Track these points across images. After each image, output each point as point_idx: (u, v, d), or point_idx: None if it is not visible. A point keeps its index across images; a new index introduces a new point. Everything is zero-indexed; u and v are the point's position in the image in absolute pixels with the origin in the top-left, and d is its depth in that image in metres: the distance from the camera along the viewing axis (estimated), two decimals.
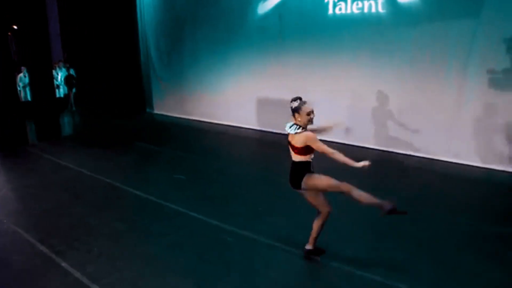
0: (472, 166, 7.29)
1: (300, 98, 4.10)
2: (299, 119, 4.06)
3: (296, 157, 4.11)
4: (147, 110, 12.95)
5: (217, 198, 5.90)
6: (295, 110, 4.06)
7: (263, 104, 9.84)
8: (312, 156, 4.15)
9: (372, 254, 4.45)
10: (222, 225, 5.05)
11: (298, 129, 4.06)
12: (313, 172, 4.13)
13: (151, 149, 8.60)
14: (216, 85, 10.75)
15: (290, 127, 4.12)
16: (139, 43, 12.49)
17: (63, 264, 4.18)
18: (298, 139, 4.03)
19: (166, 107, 12.43)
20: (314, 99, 8.38)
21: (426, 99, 7.64)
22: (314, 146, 3.98)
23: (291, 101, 4.09)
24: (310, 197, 4.15)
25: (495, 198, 6.17)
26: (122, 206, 5.69)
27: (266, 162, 7.72)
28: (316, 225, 4.25)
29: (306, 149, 4.05)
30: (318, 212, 4.24)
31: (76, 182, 6.48)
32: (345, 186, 4.00)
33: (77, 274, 4.00)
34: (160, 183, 6.48)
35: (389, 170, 7.09)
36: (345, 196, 3.93)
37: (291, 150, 4.16)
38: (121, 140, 9.41)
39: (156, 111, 12.75)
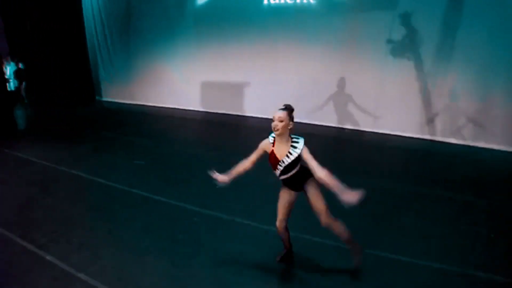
0: (395, 135, 8.26)
1: (285, 105, 3.91)
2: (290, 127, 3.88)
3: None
4: (97, 97, 13.03)
5: (178, 181, 6.18)
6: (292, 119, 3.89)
7: (207, 87, 10.26)
8: (276, 173, 4.01)
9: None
10: (187, 206, 5.38)
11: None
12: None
13: (106, 136, 8.68)
14: (161, 71, 11.00)
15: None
16: (85, 32, 12.43)
17: (48, 257, 4.31)
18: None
19: (114, 93, 12.53)
20: (253, 83, 9.09)
21: (351, 80, 8.46)
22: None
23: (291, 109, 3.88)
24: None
25: (416, 163, 7.08)
26: (91, 195, 5.82)
27: (217, 142, 8.04)
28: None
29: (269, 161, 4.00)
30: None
31: (41, 175, 6.51)
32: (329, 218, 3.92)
33: (63, 266, 4.17)
34: (121, 170, 6.63)
35: (325, 143, 7.83)
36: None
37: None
38: (76, 130, 9.38)
39: (105, 98, 12.86)
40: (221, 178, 4.03)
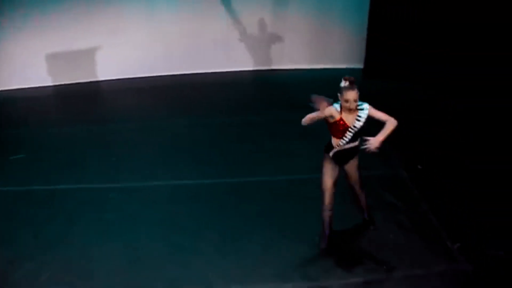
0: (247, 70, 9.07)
1: (349, 80, 4.02)
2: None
3: None
4: None
5: (70, 165, 6.25)
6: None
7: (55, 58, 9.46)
8: (342, 142, 4.18)
9: None
10: (94, 186, 5.75)
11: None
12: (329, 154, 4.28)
13: None
14: None
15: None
16: None
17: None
18: None
19: None
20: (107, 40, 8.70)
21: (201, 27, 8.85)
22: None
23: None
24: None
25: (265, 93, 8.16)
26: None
27: (81, 117, 7.81)
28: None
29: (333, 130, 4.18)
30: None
31: None
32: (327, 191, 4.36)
33: None
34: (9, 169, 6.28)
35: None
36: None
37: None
38: None
39: None
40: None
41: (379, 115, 4.08)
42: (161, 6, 8.64)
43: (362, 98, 4.14)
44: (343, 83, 4.00)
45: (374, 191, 5.35)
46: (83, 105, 8.22)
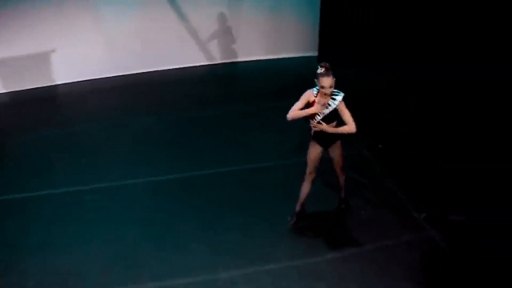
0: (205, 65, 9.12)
1: (325, 67, 4.19)
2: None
3: None
4: None
5: (35, 170, 6.10)
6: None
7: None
8: (312, 122, 4.45)
9: None
10: (69, 189, 5.73)
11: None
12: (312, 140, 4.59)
13: None
14: None
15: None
16: None
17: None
18: None
19: None
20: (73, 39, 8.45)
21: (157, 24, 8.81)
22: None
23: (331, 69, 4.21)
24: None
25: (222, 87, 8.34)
26: None
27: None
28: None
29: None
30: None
31: None
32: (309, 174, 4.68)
33: None
34: None
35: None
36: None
37: None
38: None
39: None
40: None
41: (345, 114, 4.31)
42: (115, 5, 8.52)
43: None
44: (319, 70, 4.19)
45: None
46: (42, 111, 7.97)
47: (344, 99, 4.35)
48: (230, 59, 9.39)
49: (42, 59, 8.64)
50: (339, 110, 4.31)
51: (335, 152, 4.62)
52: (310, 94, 4.36)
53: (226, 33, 9.13)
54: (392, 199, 5.39)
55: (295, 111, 4.35)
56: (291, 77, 7.97)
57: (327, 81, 4.16)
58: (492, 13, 6.16)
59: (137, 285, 4.34)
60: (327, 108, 4.32)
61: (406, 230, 4.92)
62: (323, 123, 4.35)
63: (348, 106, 4.38)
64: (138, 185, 5.72)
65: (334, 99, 4.29)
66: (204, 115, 7.40)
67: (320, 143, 4.54)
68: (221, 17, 8.99)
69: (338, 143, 4.58)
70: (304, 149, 4.72)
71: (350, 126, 4.30)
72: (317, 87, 4.30)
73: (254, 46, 9.32)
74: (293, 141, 6.00)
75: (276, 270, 4.42)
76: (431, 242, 4.76)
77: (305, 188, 4.75)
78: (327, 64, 4.20)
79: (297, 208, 4.87)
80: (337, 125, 4.41)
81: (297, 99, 4.41)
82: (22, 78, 8.98)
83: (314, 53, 9.14)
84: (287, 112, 4.39)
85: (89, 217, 5.20)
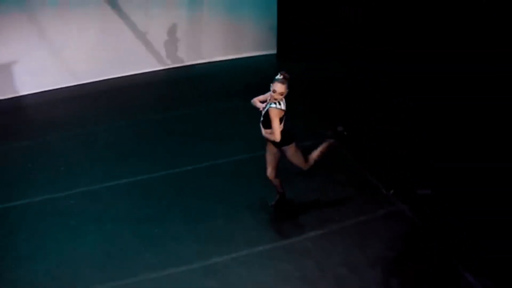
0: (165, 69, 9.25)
1: (284, 76, 4.37)
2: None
3: None
4: None
5: (14, 183, 6.00)
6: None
7: None
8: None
9: None
10: (54, 195, 5.74)
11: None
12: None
13: None
14: None
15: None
16: None
17: None
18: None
19: None
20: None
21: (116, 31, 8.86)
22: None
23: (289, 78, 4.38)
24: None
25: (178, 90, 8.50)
26: None
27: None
28: None
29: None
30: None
31: None
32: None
33: None
34: None
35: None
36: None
37: None
38: None
39: None
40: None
41: (272, 121, 4.45)
42: (75, 11, 8.50)
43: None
44: (278, 76, 4.37)
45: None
46: (7, 123, 7.93)
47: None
48: (190, 61, 9.56)
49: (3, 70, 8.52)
50: (269, 114, 4.43)
51: (288, 152, 4.75)
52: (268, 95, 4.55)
53: (185, 37, 9.30)
54: (362, 180, 5.84)
55: (255, 99, 4.72)
56: (249, 75, 8.32)
57: (279, 87, 4.31)
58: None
59: (135, 278, 4.52)
60: (263, 110, 4.58)
61: (378, 206, 5.36)
62: (261, 126, 4.62)
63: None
64: (120, 186, 5.85)
65: (270, 104, 4.43)
66: (171, 115, 7.56)
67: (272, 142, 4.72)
68: (180, 21, 9.15)
69: (287, 147, 4.71)
70: None
71: (273, 135, 4.48)
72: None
73: (213, 48, 9.52)
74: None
75: (265, 252, 4.74)
76: (401, 215, 5.23)
77: (276, 181, 5.03)
78: (287, 75, 4.37)
79: (278, 191, 5.17)
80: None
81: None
82: None
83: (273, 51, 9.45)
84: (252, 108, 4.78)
85: (75, 221, 5.25)
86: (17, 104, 8.35)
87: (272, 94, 4.35)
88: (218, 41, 9.54)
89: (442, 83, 6.66)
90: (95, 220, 5.30)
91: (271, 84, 4.39)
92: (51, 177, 6.13)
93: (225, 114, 7.59)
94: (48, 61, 8.55)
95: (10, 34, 8.26)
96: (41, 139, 7.09)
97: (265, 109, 4.50)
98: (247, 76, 8.70)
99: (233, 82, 8.59)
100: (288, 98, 4.58)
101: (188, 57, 9.51)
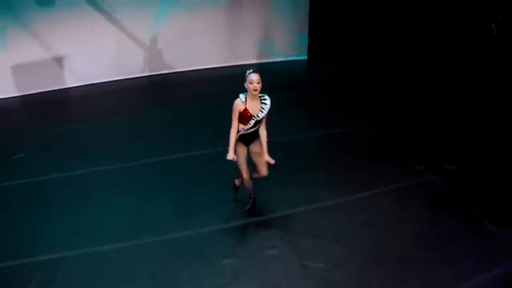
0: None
1: (252, 69, 4.47)
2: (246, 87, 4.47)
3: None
4: None
5: None
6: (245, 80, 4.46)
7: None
8: (246, 127, 4.62)
9: None
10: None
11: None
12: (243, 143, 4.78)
13: None
14: None
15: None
16: None
17: None
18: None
19: None
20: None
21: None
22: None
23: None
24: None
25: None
26: None
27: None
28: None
29: (239, 118, 4.59)
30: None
31: None
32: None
33: None
34: None
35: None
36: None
37: None
38: None
39: None
40: (230, 156, 4.62)
41: (265, 120, 4.69)
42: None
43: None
44: (247, 72, 4.46)
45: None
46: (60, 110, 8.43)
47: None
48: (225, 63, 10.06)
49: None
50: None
51: (257, 145, 4.87)
52: (239, 104, 4.52)
53: (222, 39, 9.86)
54: (396, 157, 6.58)
55: (231, 146, 4.63)
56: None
57: (255, 76, 4.38)
58: (482, 13, 6.34)
59: (138, 241, 4.96)
60: (261, 111, 4.59)
61: (412, 176, 6.11)
62: (268, 158, 4.81)
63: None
64: (104, 172, 6.27)
65: (265, 102, 4.57)
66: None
67: (245, 143, 4.83)
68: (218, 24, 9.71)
69: (258, 139, 4.85)
70: None
71: (265, 134, 4.74)
72: (244, 94, 4.52)
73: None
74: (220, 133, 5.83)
75: (259, 223, 5.27)
76: (432, 183, 6.00)
77: (249, 184, 5.08)
78: (254, 68, 4.54)
79: (251, 196, 5.28)
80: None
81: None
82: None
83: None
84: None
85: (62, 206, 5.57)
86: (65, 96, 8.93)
87: (250, 85, 4.40)
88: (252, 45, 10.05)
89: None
90: (82, 207, 5.58)
91: (245, 84, 4.47)
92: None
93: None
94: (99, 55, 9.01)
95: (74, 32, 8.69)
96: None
97: (264, 111, 4.61)
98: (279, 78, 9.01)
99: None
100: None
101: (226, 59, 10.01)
